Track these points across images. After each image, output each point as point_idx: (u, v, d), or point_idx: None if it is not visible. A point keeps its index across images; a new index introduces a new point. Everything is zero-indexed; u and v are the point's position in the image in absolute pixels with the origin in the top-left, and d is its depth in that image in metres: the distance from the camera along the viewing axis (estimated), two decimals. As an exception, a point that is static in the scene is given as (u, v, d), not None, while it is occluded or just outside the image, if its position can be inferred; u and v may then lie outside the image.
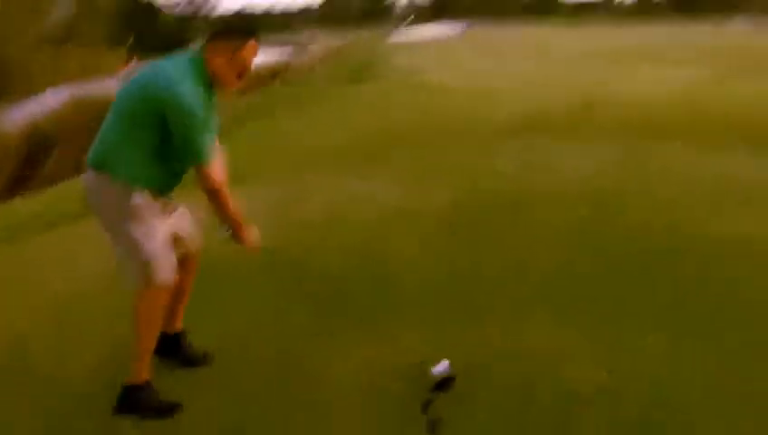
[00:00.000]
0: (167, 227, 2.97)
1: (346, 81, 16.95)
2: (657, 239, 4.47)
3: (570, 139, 7.28)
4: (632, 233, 4.59)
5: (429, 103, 10.01)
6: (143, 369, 2.94)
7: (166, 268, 2.89)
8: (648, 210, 5.02)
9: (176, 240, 3.02)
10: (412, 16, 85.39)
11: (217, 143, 3.04)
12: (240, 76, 2.89)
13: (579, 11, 75.52)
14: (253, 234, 3.00)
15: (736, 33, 32.85)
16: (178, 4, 47.26)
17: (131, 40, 27.90)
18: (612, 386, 2.91)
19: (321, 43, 44.55)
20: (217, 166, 2.93)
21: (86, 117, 9.97)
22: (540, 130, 7.77)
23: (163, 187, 2.94)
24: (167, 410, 2.93)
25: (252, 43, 2.85)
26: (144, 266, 2.84)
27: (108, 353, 3.46)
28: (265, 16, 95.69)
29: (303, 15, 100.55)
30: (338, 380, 3.12)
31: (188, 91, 2.70)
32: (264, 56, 3.09)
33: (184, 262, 3.10)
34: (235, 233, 2.96)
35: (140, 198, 2.82)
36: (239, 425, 2.85)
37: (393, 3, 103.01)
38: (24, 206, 7.42)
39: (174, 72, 2.73)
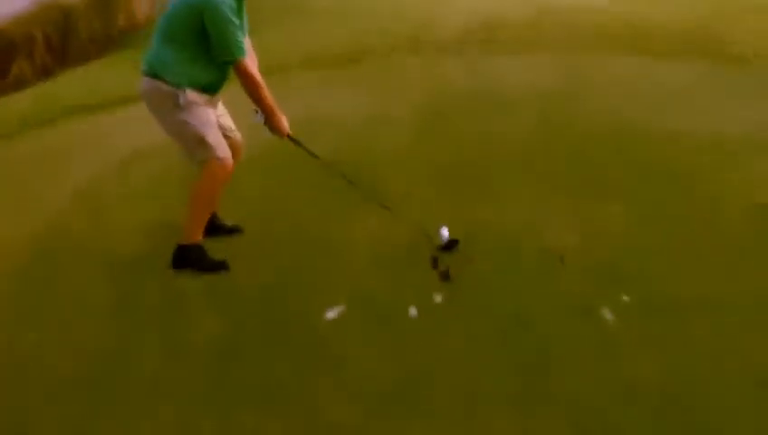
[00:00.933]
0: (215, 117, 3.51)
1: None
2: (606, 136, 4.98)
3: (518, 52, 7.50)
4: (582, 128, 5.12)
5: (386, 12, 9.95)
6: (197, 232, 3.55)
7: (223, 147, 3.45)
8: (594, 113, 5.41)
9: (221, 133, 3.55)
10: None
11: (249, 42, 3.55)
12: None
13: None
14: (283, 121, 3.54)
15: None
16: None
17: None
18: (584, 245, 3.62)
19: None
20: (251, 61, 3.46)
21: (50, 19, 9.99)
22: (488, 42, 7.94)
23: (208, 86, 3.45)
24: (217, 266, 3.56)
25: None
26: (204, 149, 3.40)
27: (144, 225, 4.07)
28: None
29: None
30: (351, 245, 3.75)
31: (223, 1, 3.22)
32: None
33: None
34: (268, 119, 3.49)
35: (190, 95, 3.35)
36: (275, 280, 3.50)
37: None
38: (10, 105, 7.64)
39: None
